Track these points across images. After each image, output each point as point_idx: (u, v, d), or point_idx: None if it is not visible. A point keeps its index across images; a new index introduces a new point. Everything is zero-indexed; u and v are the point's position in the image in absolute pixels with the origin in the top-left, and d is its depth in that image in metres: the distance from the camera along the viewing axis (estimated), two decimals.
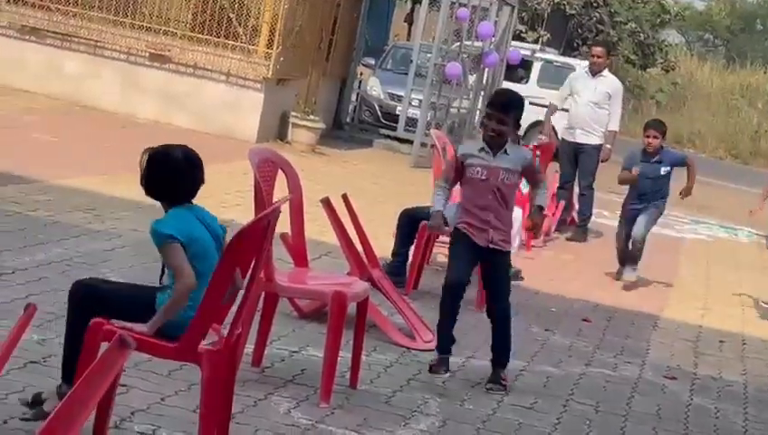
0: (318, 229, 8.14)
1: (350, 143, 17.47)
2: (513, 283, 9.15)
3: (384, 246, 8.34)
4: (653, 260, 10.66)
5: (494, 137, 5.97)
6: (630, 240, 9.85)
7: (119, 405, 4.49)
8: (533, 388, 6.39)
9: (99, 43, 15.04)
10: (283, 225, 4.86)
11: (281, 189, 5.71)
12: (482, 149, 6.02)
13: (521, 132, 9.08)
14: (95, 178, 9.83)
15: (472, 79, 18.08)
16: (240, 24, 14.95)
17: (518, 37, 26.62)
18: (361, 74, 21.01)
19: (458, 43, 17.93)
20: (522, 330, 7.74)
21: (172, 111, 14.77)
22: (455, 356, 6.42)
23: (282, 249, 6.10)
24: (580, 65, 13.50)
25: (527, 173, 6.21)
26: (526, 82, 22.25)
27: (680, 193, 10.08)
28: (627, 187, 10.12)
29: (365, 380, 5.82)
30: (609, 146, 12.19)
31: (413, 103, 17.79)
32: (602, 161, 12.26)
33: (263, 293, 5.54)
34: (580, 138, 12.19)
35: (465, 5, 17.31)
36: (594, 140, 12.15)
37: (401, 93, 18.42)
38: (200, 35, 14.95)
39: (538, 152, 12.03)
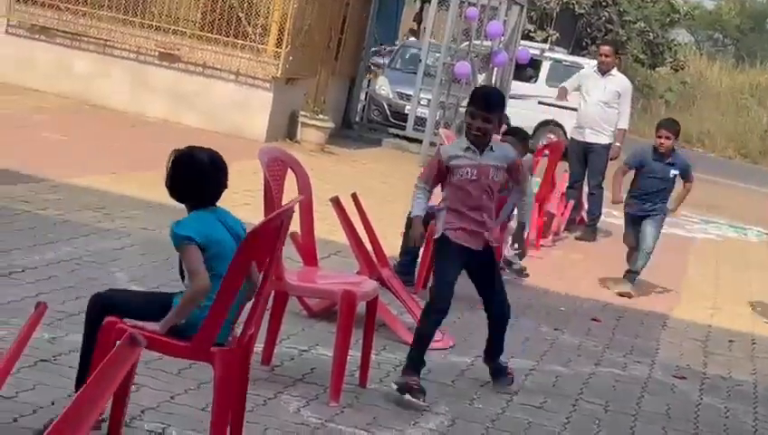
0: (327, 228, 8.15)
1: (359, 142, 17.47)
2: (518, 280, 9.25)
3: (393, 245, 8.34)
4: (662, 260, 10.64)
5: (478, 136, 5.79)
6: (638, 251, 9.60)
7: (129, 403, 4.49)
8: (543, 387, 6.39)
9: (108, 43, 15.06)
10: (293, 224, 4.85)
11: (290, 189, 5.71)
12: (468, 148, 5.82)
13: (530, 132, 9.13)
14: (104, 177, 9.84)
15: (481, 78, 18.05)
16: (249, 24, 14.96)
17: (527, 36, 26.60)
18: (374, 74, 21.02)
19: (467, 43, 17.92)
20: (531, 329, 7.75)
21: (181, 111, 14.79)
22: (463, 356, 6.44)
23: (291, 248, 6.09)
24: (589, 64, 13.49)
25: (511, 171, 6.00)
26: (535, 81, 22.24)
27: (671, 208, 9.91)
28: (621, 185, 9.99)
29: (374, 379, 5.82)
30: (618, 144, 12.18)
31: (422, 103, 17.79)
32: (611, 159, 12.25)
33: (272, 291, 5.54)
34: (590, 137, 12.18)
35: (474, 5, 17.30)
36: (604, 139, 12.14)
37: (410, 93, 18.43)
38: (209, 35, 14.96)
39: (547, 151, 12.06)
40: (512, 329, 7.59)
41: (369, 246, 6.83)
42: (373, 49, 21.47)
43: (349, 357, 5.48)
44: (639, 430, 6.01)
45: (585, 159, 12.26)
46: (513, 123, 10.02)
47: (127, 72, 15.00)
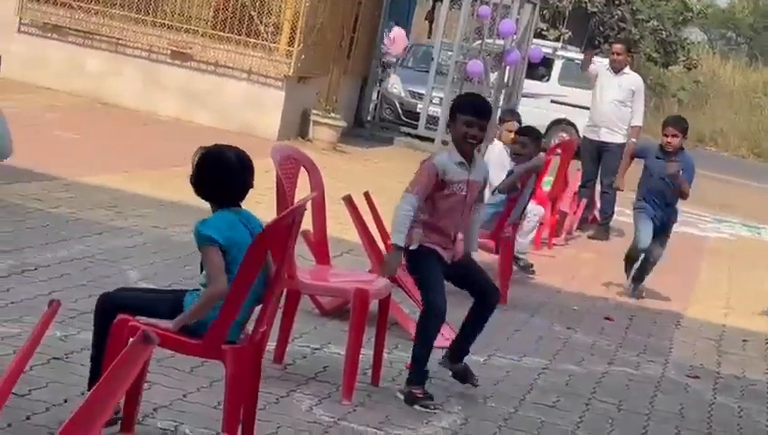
0: (340, 227, 8.14)
1: (371, 141, 17.46)
2: (527, 277, 9.23)
3: None
4: (676, 259, 10.61)
5: (473, 145, 5.69)
6: (646, 256, 9.20)
7: (141, 401, 4.49)
8: (556, 386, 6.37)
9: (120, 41, 15.08)
10: (305, 222, 4.85)
11: (303, 187, 5.70)
12: (461, 163, 5.65)
13: (542, 131, 9.08)
14: (117, 176, 9.85)
15: (493, 77, 18.04)
16: (261, 22, 14.96)
17: (539, 35, 26.54)
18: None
19: (480, 41, 17.90)
20: (544, 328, 7.73)
21: (193, 109, 14.80)
22: (475, 355, 6.40)
23: (303, 247, 6.09)
24: (602, 63, 13.45)
25: (482, 187, 5.89)
26: (547, 80, 22.22)
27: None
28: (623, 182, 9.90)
29: (387, 377, 5.81)
30: (634, 140, 12.10)
31: (434, 101, 17.77)
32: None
33: (285, 290, 5.53)
34: (605, 136, 12.14)
35: (486, 3, 17.28)
36: (619, 138, 12.09)
37: (422, 91, 18.42)
38: (221, 33, 14.97)
39: (559, 150, 12.03)
40: (525, 328, 7.63)
41: (381, 245, 6.81)
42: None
43: (361, 356, 5.48)
44: (653, 429, 5.99)
45: (598, 157, 12.23)
46: (526, 122, 10.00)
47: (139, 71, 15.02)
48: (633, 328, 8.26)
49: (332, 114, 15.43)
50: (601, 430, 5.82)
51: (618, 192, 12.20)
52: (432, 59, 17.98)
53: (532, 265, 9.38)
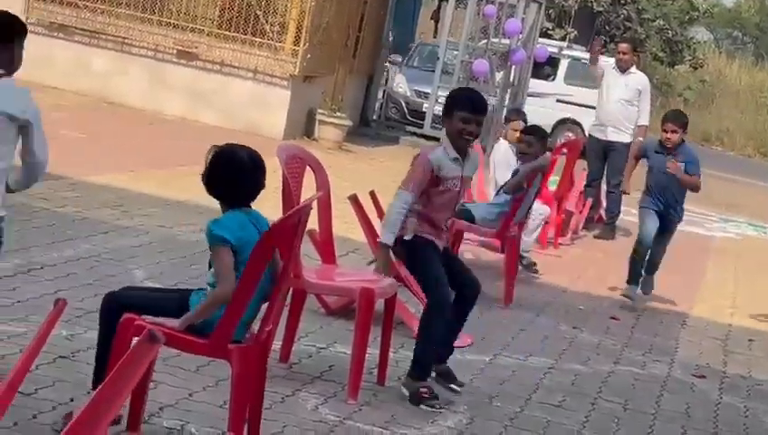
0: (345, 226, 8.14)
1: (377, 140, 17.46)
2: (533, 276, 9.22)
3: None
4: (682, 258, 10.60)
5: (469, 141, 5.66)
6: (653, 253, 9.04)
7: (147, 400, 4.49)
8: (562, 386, 6.36)
9: (126, 41, 15.10)
10: (311, 222, 4.85)
11: (308, 186, 5.70)
12: (456, 159, 5.62)
13: (548, 130, 9.06)
14: (123, 175, 9.86)
15: (499, 76, 18.02)
16: (267, 22, 14.97)
17: (545, 34, 26.54)
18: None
19: (485, 41, 17.89)
20: (550, 328, 7.73)
21: (199, 108, 14.81)
22: (481, 354, 6.41)
23: (309, 246, 6.09)
24: (608, 62, 13.43)
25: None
26: (553, 79, 22.18)
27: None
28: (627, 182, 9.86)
29: (393, 376, 5.80)
30: (641, 138, 12.06)
31: (440, 100, 17.73)
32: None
33: (290, 289, 5.53)
34: (612, 135, 12.12)
35: (492, 2, 17.26)
36: (626, 138, 12.07)
37: (428, 90, 18.42)
38: (227, 32, 14.99)
39: (565, 150, 12.02)
40: (530, 327, 7.63)
41: None
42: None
43: (367, 355, 5.47)
44: (659, 428, 5.98)
45: (604, 156, 12.21)
46: (531, 121, 9.99)
47: (145, 70, 15.03)
48: (639, 327, 8.25)
49: (338, 113, 15.44)
50: (607, 429, 5.81)
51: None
52: (438, 58, 17.97)
53: (534, 264, 9.38)
